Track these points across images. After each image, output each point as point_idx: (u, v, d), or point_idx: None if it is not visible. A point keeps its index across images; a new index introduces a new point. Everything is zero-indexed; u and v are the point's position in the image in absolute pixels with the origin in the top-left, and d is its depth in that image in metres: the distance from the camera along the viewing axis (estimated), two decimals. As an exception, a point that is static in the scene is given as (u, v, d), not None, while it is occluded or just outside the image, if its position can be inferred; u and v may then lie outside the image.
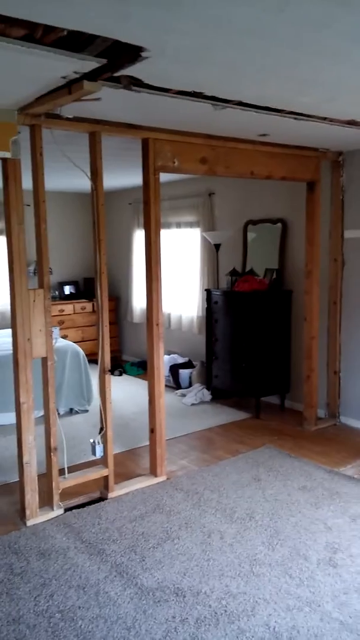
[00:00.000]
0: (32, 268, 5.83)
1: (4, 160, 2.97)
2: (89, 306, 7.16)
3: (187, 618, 2.35)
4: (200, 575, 2.66)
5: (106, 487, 3.49)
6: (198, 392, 5.54)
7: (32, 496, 3.18)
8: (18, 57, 2.14)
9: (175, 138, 3.52)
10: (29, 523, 3.17)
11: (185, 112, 3.08)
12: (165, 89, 2.67)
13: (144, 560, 2.79)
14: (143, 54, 2.18)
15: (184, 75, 2.49)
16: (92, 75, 2.42)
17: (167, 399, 3.85)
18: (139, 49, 2.14)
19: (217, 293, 5.34)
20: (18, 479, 3.30)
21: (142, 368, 6.66)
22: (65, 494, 3.37)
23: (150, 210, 3.51)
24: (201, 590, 2.54)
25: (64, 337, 6.53)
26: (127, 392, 5.87)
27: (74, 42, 2.08)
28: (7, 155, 2.95)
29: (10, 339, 5.27)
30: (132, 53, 2.19)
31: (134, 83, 2.56)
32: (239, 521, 3.16)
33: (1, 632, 2.31)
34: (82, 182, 6.03)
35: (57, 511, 3.27)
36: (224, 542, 2.95)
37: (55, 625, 2.33)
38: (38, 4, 1.72)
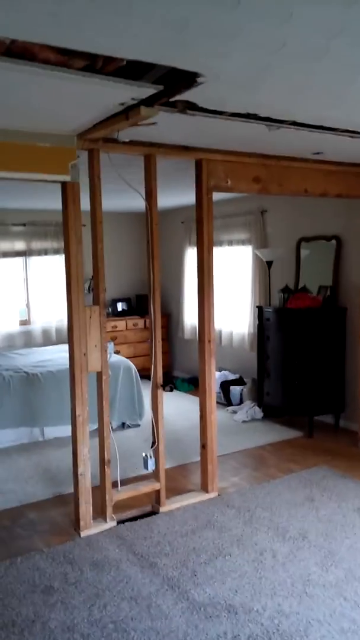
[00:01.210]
0: (86, 285, 6.01)
1: (64, 183, 3.12)
2: (141, 322, 7.28)
3: (238, 635, 2.34)
4: (252, 593, 2.64)
5: (158, 501, 3.53)
6: (249, 410, 5.51)
7: (86, 508, 3.26)
8: (79, 87, 2.26)
9: (228, 158, 3.59)
10: (83, 534, 3.24)
11: (239, 133, 3.14)
12: (220, 112, 2.74)
13: (195, 575, 2.80)
14: (199, 80, 2.26)
15: (238, 98, 2.55)
16: (148, 101, 2.53)
17: (218, 415, 3.87)
18: (195, 75, 2.22)
19: (269, 310, 5.34)
20: (72, 491, 3.39)
21: (192, 384, 6.70)
22: (118, 506, 3.43)
23: (203, 228, 3.57)
24: (253, 608, 2.53)
25: (117, 352, 6.66)
26: (178, 407, 5.92)
27: (132, 70, 2.19)
28: (67, 179, 3.09)
29: (65, 354, 5.46)
30: (188, 79, 2.27)
31: (189, 107, 2.65)
32: (292, 540, 3.12)
33: (56, 639, 2.37)
34: (136, 202, 6.20)
35: (110, 523, 3.33)
36: (276, 560, 2.92)
37: (109, 636, 2.38)
38: (99, 37, 1.82)
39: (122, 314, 7.40)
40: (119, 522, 3.36)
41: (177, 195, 5.83)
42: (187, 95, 2.48)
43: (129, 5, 1.58)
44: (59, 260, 7.10)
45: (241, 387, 5.95)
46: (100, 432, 3.34)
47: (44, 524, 3.44)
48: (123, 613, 2.52)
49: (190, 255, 7.00)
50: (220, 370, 6.29)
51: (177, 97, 2.51)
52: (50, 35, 1.81)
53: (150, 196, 3.38)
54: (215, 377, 3.76)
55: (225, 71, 2.18)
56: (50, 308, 7.08)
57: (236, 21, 1.72)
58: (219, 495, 3.74)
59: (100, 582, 2.76)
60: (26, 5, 1.57)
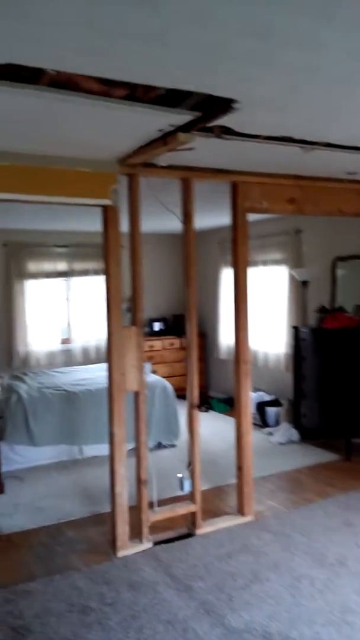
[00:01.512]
0: (124, 306, 6.10)
1: (105, 207, 3.21)
2: (177, 342, 7.32)
3: (276, 664, 2.29)
4: (289, 620, 2.58)
5: (193, 523, 3.51)
6: (286, 431, 5.44)
7: (122, 527, 3.27)
8: (120, 115, 2.34)
9: (263, 180, 3.62)
10: (120, 554, 3.25)
11: (274, 156, 3.18)
12: (255, 135, 2.78)
13: (231, 600, 2.76)
14: (234, 105, 2.31)
15: (273, 122, 2.59)
16: (186, 127, 2.59)
17: (254, 437, 3.84)
18: (231, 101, 2.28)
19: (305, 330, 5.29)
20: (108, 510, 3.41)
21: (228, 404, 6.66)
22: (154, 527, 3.43)
23: (238, 249, 3.60)
24: (290, 635, 2.47)
25: (154, 372, 6.71)
26: (214, 428, 5.89)
27: (170, 97, 2.26)
28: (108, 202, 3.18)
29: (102, 374, 5.54)
30: (224, 105, 2.33)
31: (225, 132, 2.70)
32: (330, 567, 3.04)
33: (92, 659, 2.38)
34: (172, 224, 6.27)
35: (146, 544, 3.33)
36: (314, 587, 2.85)
37: (144, 658, 2.37)
38: (138, 67, 1.90)
39: (159, 333, 7.45)
40: (155, 544, 3.36)
41: (213, 216, 5.89)
42: (223, 121, 2.54)
43: (162, 34, 1.64)
44: (99, 280, 7.24)
45: (277, 408, 5.89)
46: (137, 452, 3.37)
47: (82, 542, 3.47)
48: (159, 636, 2.51)
49: (226, 276, 7.02)
50: (256, 391, 6.24)
51: (214, 123, 2.57)
52: (92, 66, 1.90)
53: (187, 218, 3.44)
54: (251, 398, 3.74)
55: (260, 96, 2.22)
56: (90, 327, 7.21)
57: (270, 48, 1.77)
58: (255, 518, 3.69)
59: (137, 604, 2.76)
60: (68, 39, 1.66)
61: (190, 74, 1.98)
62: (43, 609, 2.74)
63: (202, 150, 2.97)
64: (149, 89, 2.17)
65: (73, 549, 3.39)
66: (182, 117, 2.41)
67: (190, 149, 2.84)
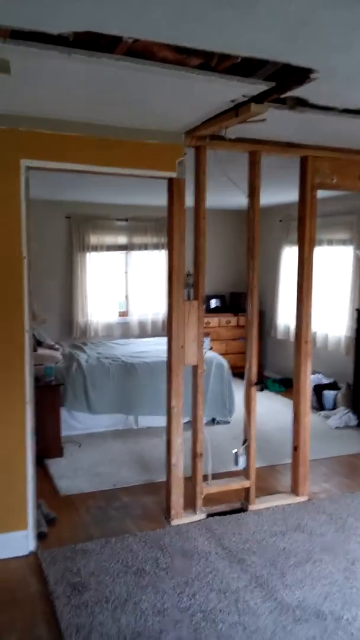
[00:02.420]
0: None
1: (170, 179, 3.20)
2: (234, 320, 7.29)
3: (328, 641, 2.30)
4: (342, 601, 2.58)
5: (247, 499, 3.53)
6: (343, 416, 5.34)
7: (177, 497, 3.34)
8: (192, 85, 2.31)
9: (335, 155, 3.50)
10: (174, 523, 3.32)
11: (348, 129, 3.06)
12: (330, 108, 2.68)
13: (284, 576, 2.78)
14: (312, 76, 2.23)
15: (351, 94, 2.49)
16: (259, 98, 2.53)
17: (310, 419, 3.79)
18: (308, 71, 2.20)
19: (369, 313, 5.13)
20: (164, 479, 3.48)
21: (283, 385, 6.60)
22: (207, 499, 3.48)
23: (305, 227, 3.52)
24: (343, 616, 2.47)
25: (210, 349, 6.72)
26: (268, 408, 5.85)
27: (245, 66, 2.20)
28: (174, 175, 3.17)
29: (160, 347, 5.61)
30: (301, 75, 2.25)
31: (299, 103, 2.62)
32: (386, 553, 3.00)
33: (147, 620, 2.46)
34: (233, 199, 6.21)
35: (200, 515, 3.39)
36: (368, 571, 2.82)
37: (197, 624, 2.43)
38: (218, 35, 1.86)
39: (216, 310, 7.44)
40: (208, 515, 3.41)
41: (277, 193, 5.76)
42: (298, 92, 2.46)
43: (254, 2, 1.59)
44: (158, 255, 7.29)
45: (335, 391, 5.78)
46: (193, 425, 3.40)
47: (137, 508, 3.57)
48: (212, 604, 2.56)
49: (287, 254, 6.89)
50: (313, 373, 6.13)
51: (288, 94, 2.49)
52: (172, 34, 1.87)
53: (253, 193, 3.38)
54: (310, 378, 3.69)
55: (340, 66, 2.13)
56: (147, 301, 7.29)
57: (356, 18, 1.68)
58: (309, 499, 3.67)
59: (190, 571, 2.82)
60: (150, 6, 1.64)
61: (271, 43, 1.92)
62: (99, 568, 2.86)
63: (273, 122, 2.89)
64: (224, 58, 2.12)
65: (128, 514, 3.50)
66: (256, 87, 2.35)
67: (262, 120, 2.77)
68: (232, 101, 2.57)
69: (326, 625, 2.40)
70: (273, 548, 3.04)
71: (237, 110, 2.65)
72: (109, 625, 2.42)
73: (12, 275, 2.93)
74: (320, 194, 3.62)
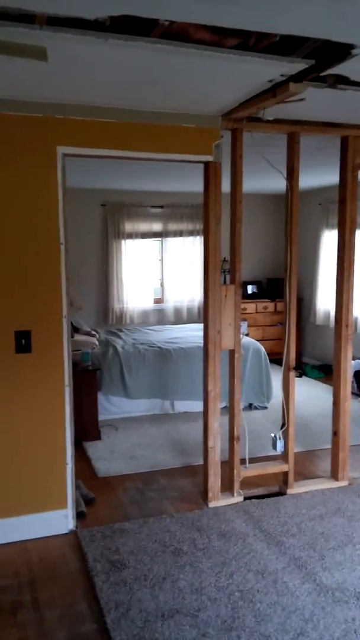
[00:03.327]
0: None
1: (207, 163, 3.19)
2: (271, 306, 7.24)
3: (367, 624, 2.29)
4: (382, 585, 2.56)
5: (285, 482, 3.53)
6: (383, 401, 5.26)
7: (214, 480, 3.37)
8: (229, 66, 2.29)
9: (376, 134, 3.41)
10: (211, 505, 3.36)
11: (391, 107, 2.97)
12: (372, 85, 2.61)
13: (323, 559, 2.77)
14: (353, 52, 2.17)
15: (394, 69, 2.41)
16: (297, 77, 2.48)
17: (350, 404, 3.74)
18: (350, 47, 2.14)
19: None
20: (201, 462, 3.52)
21: (322, 371, 6.53)
22: (245, 483, 3.49)
23: (346, 209, 3.45)
24: (383, 600, 2.45)
25: (246, 334, 6.70)
26: (307, 393, 5.81)
27: (283, 45, 2.16)
28: (210, 159, 3.16)
29: (195, 333, 5.63)
30: (342, 51, 2.19)
31: (340, 81, 2.56)
32: None
33: (185, 598, 2.50)
34: (270, 184, 6.13)
35: (237, 498, 3.41)
36: None
37: (235, 603, 2.46)
38: (255, 13, 1.83)
39: (252, 296, 7.40)
40: (245, 498, 3.43)
41: (316, 175, 5.66)
42: (339, 69, 2.40)
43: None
44: (193, 242, 7.28)
45: (375, 377, 5.68)
46: (230, 409, 3.42)
47: (174, 490, 3.62)
48: (249, 584, 2.59)
49: (327, 239, 6.77)
50: (354, 359, 6.04)
51: (328, 72, 2.44)
52: (208, 14, 1.85)
53: (291, 175, 3.33)
54: (351, 363, 3.64)
55: (385, 40, 2.07)
56: (183, 288, 7.30)
57: None
58: (349, 484, 3.64)
59: (227, 552, 2.85)
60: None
61: (311, 19, 1.87)
62: (138, 547, 2.92)
63: (312, 102, 2.84)
64: (262, 37, 2.09)
65: (166, 495, 3.55)
66: (295, 65, 2.31)
67: (300, 99, 2.72)
68: (270, 81, 2.53)
69: (365, 609, 2.40)
70: (312, 531, 3.04)
71: (275, 90, 2.61)
72: (147, 601, 2.48)
73: (50, 262, 2.98)
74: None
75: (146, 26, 1.98)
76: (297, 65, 2.32)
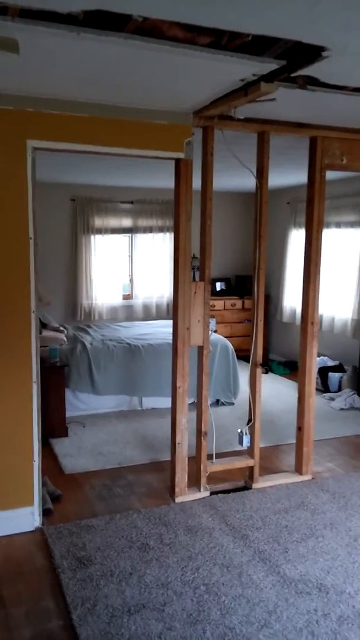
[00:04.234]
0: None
1: (178, 160, 3.20)
2: (239, 303, 7.30)
3: (329, 614, 2.35)
4: (344, 575, 2.63)
5: (251, 477, 3.58)
6: (348, 398, 5.38)
7: (181, 475, 3.39)
8: (202, 63, 2.30)
9: (345, 136, 3.48)
10: (178, 500, 3.38)
11: (359, 109, 3.04)
12: (341, 87, 2.66)
13: (287, 552, 2.83)
14: (324, 54, 2.21)
15: (362, 72, 2.47)
16: (268, 77, 2.51)
17: (315, 401, 3.82)
18: (320, 49, 2.18)
19: (374, 296, 5.13)
20: (168, 458, 3.54)
21: (288, 368, 6.63)
22: (211, 478, 3.53)
23: (313, 209, 3.51)
24: (345, 590, 2.52)
25: (214, 331, 6.75)
26: (273, 389, 5.90)
27: (255, 45, 2.19)
28: (181, 155, 3.17)
29: (164, 329, 5.64)
30: (312, 53, 2.23)
31: (310, 82, 2.60)
32: (387, 531, 3.05)
33: (151, 593, 2.52)
34: (238, 182, 6.18)
35: (204, 493, 3.44)
36: (370, 549, 2.88)
37: (200, 597, 2.48)
38: (229, 12, 1.84)
39: (221, 293, 7.45)
40: (212, 493, 3.46)
41: (284, 175, 5.74)
42: (309, 70, 2.44)
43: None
44: (163, 238, 7.28)
45: (341, 374, 5.81)
46: (198, 405, 3.44)
47: (141, 486, 3.63)
48: (215, 578, 2.62)
49: (295, 237, 6.87)
50: (318, 356, 6.16)
51: (299, 72, 2.47)
52: (182, 12, 1.86)
53: (261, 174, 3.37)
54: (316, 360, 3.72)
55: (354, 44, 2.11)
56: (152, 284, 7.30)
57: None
58: (313, 478, 3.72)
59: (193, 547, 2.88)
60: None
61: (282, 20, 1.90)
62: (104, 544, 2.92)
63: (283, 102, 2.88)
64: (234, 36, 2.11)
65: (133, 491, 3.55)
66: (266, 65, 2.34)
67: (271, 99, 2.76)
68: (242, 80, 2.55)
69: (328, 598, 2.46)
70: (276, 524, 3.09)
71: (247, 89, 2.63)
72: (113, 597, 2.48)
73: (19, 256, 2.94)
74: (329, 176, 3.61)
75: (120, 21, 1.97)
76: (269, 66, 2.35)
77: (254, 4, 1.77)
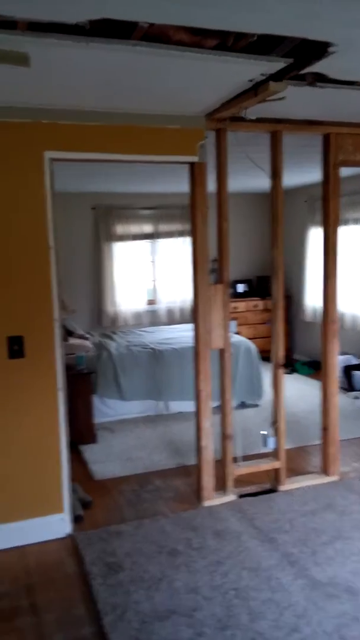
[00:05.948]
0: (209, 266, 6.10)
1: (192, 164, 3.20)
2: (261, 304, 7.26)
3: (359, 617, 2.31)
4: (375, 578, 2.58)
5: (277, 479, 3.55)
6: (374, 396, 5.29)
7: (208, 479, 3.38)
8: (210, 66, 2.30)
9: (358, 131, 3.44)
10: (205, 504, 3.37)
11: (371, 104, 3.00)
12: (351, 82, 2.63)
13: (315, 554, 2.79)
14: (330, 49, 2.20)
15: (372, 66, 2.44)
16: (277, 76, 2.50)
17: (339, 400, 3.77)
18: (327, 45, 2.16)
19: None
20: (194, 462, 3.53)
21: (312, 367, 6.56)
22: (238, 481, 3.51)
23: (329, 206, 3.48)
24: (376, 593, 2.48)
25: (237, 333, 6.72)
26: (297, 390, 5.84)
27: (262, 45, 2.18)
28: (195, 159, 3.17)
29: (186, 334, 5.64)
30: (319, 49, 2.22)
31: (319, 79, 2.58)
32: None
33: (180, 599, 2.51)
34: (255, 183, 6.15)
35: (231, 496, 3.43)
36: None
37: (229, 601, 2.47)
38: (233, 14, 1.85)
39: (243, 295, 7.42)
40: (239, 496, 3.44)
41: (301, 173, 5.69)
42: (317, 67, 2.43)
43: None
44: (184, 242, 7.30)
45: (366, 372, 5.72)
46: (222, 408, 3.43)
47: (169, 491, 3.63)
48: (244, 582, 2.60)
49: (314, 235, 6.80)
50: (343, 354, 6.08)
51: (307, 70, 2.46)
52: (186, 15, 1.86)
53: (275, 174, 3.35)
54: (338, 359, 3.67)
55: (359, 38, 2.09)
56: (175, 289, 7.32)
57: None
58: (340, 479, 3.67)
59: (222, 551, 2.87)
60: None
61: (286, 18, 1.89)
62: (134, 549, 2.93)
63: (293, 100, 2.86)
64: (240, 36, 2.11)
65: (161, 496, 3.56)
66: (274, 64, 2.33)
67: (281, 98, 2.74)
68: (251, 81, 2.55)
69: (358, 601, 2.41)
70: (303, 527, 3.06)
71: (256, 90, 2.62)
72: (143, 603, 2.49)
73: (40, 265, 2.98)
74: (344, 172, 3.57)
75: (126, 29, 1.99)
76: (276, 64, 2.34)
77: (254, 3, 1.77)
